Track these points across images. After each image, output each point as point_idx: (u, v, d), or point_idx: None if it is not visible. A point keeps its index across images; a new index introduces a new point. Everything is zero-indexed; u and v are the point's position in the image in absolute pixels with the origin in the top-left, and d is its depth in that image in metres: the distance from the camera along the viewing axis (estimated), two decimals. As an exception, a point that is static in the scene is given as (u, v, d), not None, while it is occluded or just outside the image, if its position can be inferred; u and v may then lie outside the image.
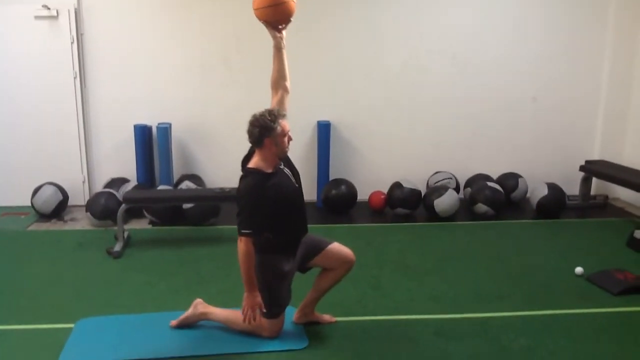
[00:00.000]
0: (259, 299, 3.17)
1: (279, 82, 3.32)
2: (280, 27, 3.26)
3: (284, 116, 3.13)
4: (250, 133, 3.09)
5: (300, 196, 3.32)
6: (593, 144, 6.77)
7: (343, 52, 6.33)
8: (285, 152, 3.21)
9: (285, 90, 3.34)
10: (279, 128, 3.07)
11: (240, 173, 3.21)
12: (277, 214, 3.15)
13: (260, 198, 3.06)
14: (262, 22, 3.25)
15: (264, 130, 3.05)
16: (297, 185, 3.29)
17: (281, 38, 3.28)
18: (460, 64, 6.43)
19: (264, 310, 3.24)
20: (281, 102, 3.30)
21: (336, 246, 3.44)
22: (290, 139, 3.18)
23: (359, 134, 6.52)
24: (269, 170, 3.13)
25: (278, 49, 3.29)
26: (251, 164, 3.15)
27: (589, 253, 4.91)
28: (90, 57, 6.07)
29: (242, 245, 3.06)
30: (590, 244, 5.21)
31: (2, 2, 5.80)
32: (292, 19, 3.27)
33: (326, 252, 3.39)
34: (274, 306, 3.31)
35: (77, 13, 5.93)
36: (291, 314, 3.57)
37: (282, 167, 3.23)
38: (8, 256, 4.81)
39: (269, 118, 3.06)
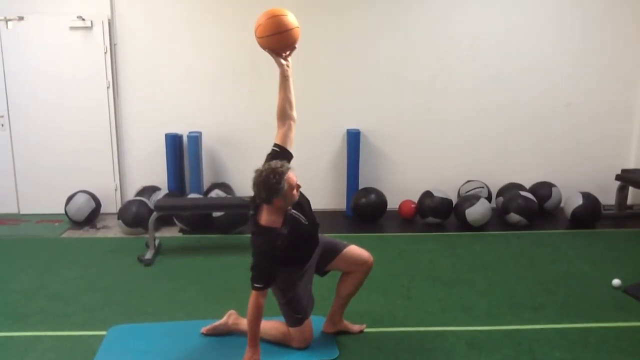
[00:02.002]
0: (258, 355, 3.13)
1: (286, 111, 3.21)
2: (284, 54, 3.19)
3: (289, 169, 3.03)
4: (258, 194, 2.99)
5: (311, 229, 3.25)
6: (629, 152, 6.63)
7: (373, 60, 6.31)
8: (294, 202, 3.11)
9: (293, 120, 3.25)
10: (286, 186, 2.97)
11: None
12: (288, 253, 3.10)
13: (274, 257, 3.03)
14: (267, 51, 3.17)
15: (272, 192, 2.96)
16: (306, 222, 3.21)
17: (287, 66, 3.19)
18: (492, 71, 6.36)
19: None
20: (289, 132, 3.22)
21: (353, 249, 3.41)
22: (299, 187, 3.08)
23: (389, 142, 6.48)
24: (280, 224, 3.06)
25: (284, 77, 3.19)
26: (263, 221, 3.07)
27: (626, 264, 4.79)
28: (123, 67, 6.16)
29: (253, 298, 3.03)
30: (626, 255, 5.07)
31: (39, 13, 5.93)
32: (296, 46, 3.20)
33: (343, 255, 3.38)
34: (296, 313, 3.30)
35: (111, 24, 6.03)
36: (320, 324, 3.55)
37: (291, 212, 3.14)
38: (42, 263, 4.88)
39: (274, 180, 2.92)
